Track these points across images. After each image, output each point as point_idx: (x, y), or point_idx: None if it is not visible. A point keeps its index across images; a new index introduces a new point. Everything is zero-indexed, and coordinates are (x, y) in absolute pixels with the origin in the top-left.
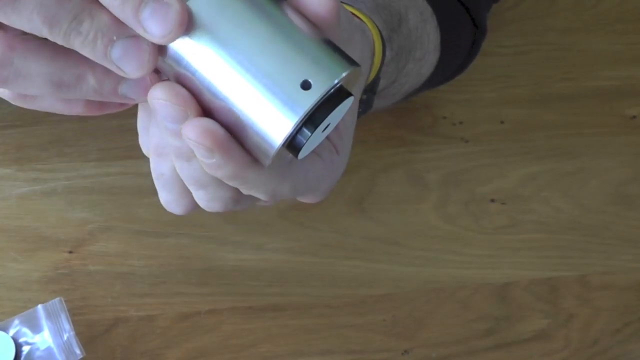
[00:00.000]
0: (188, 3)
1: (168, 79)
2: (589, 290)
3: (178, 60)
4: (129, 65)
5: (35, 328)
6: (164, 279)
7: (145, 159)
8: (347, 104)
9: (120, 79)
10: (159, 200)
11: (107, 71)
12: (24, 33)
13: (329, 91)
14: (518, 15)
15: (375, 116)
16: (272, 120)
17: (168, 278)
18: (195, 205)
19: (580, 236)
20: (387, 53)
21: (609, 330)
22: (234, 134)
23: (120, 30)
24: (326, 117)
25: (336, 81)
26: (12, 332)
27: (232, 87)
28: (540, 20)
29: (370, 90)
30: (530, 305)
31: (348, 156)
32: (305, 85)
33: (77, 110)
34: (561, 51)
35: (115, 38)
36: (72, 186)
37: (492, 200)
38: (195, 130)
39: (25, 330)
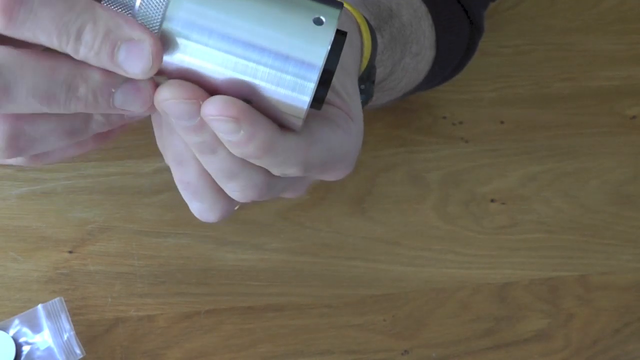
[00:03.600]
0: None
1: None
2: (589, 290)
3: (178, 55)
4: (135, 104)
5: (36, 328)
6: (164, 279)
7: (145, 159)
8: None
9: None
10: (159, 200)
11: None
12: None
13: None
14: (518, 15)
15: (375, 116)
16: (294, 79)
17: (168, 278)
18: (229, 210)
19: (580, 236)
20: (379, 40)
21: (609, 330)
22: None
23: (115, 79)
24: (337, 61)
25: (336, 27)
26: (12, 332)
27: (242, 61)
28: (540, 20)
29: (368, 79)
30: (530, 305)
31: (362, 125)
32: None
33: (88, 147)
34: (561, 51)
35: (113, 90)
36: (72, 186)
37: (492, 200)
38: (216, 105)
39: (25, 330)
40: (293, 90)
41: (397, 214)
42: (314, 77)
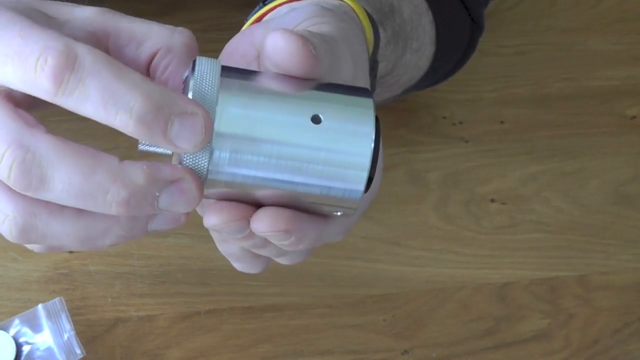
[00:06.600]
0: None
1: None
2: (589, 290)
3: (228, 177)
4: (181, 204)
5: (36, 328)
6: (164, 279)
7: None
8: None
9: (149, 219)
10: None
11: (134, 217)
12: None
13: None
14: (518, 15)
15: None
16: (346, 180)
17: (168, 278)
18: (270, 262)
19: (580, 236)
20: (382, 34)
21: (609, 330)
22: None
23: (159, 182)
24: (378, 147)
25: (374, 115)
26: (12, 331)
27: (290, 176)
28: (540, 20)
29: (370, 72)
30: (530, 305)
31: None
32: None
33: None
34: (561, 51)
35: (158, 194)
36: None
37: (492, 200)
38: (265, 222)
39: (25, 330)
40: (345, 185)
41: (397, 214)
42: (364, 174)
